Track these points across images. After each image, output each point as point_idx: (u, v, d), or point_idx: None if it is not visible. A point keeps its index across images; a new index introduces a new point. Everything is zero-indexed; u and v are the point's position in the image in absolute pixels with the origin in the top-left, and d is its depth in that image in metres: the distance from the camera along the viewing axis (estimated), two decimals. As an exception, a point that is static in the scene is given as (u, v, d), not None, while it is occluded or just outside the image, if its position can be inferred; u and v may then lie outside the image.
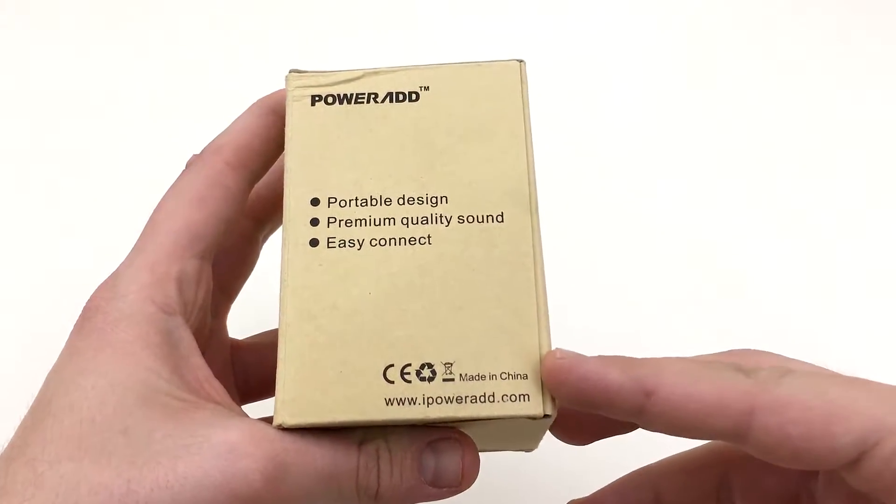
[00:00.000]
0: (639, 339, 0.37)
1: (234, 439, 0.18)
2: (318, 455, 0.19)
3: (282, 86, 0.23)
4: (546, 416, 0.19)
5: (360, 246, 0.21)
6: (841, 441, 0.17)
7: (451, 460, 0.20)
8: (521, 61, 0.23)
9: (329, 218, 0.21)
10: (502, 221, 0.21)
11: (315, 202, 0.21)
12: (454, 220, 0.21)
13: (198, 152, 0.23)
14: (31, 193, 0.44)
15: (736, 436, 0.18)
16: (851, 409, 0.17)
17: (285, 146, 0.22)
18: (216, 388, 0.20)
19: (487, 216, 0.21)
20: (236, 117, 0.24)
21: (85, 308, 0.20)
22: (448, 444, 0.20)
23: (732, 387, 0.18)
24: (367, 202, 0.21)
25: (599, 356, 0.19)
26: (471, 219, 0.21)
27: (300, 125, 0.22)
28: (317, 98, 0.22)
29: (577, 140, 0.47)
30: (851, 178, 0.45)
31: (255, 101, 0.24)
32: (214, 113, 0.43)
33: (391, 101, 0.22)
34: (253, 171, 0.23)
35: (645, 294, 0.39)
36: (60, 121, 0.47)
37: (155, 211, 0.22)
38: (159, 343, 0.20)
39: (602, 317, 0.38)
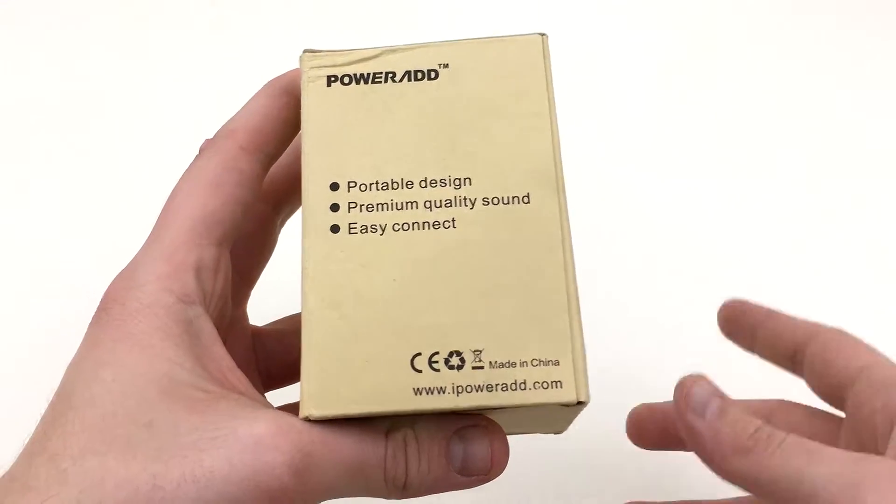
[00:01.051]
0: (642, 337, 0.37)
1: (260, 432, 0.18)
2: (346, 446, 0.18)
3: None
4: (580, 402, 0.19)
5: (383, 231, 0.20)
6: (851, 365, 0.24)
7: (479, 447, 0.20)
8: (542, 35, 0.22)
9: (349, 203, 0.20)
10: (528, 203, 0.20)
11: (334, 187, 0.20)
12: (479, 203, 0.20)
13: (210, 137, 0.23)
14: (35, 191, 0.44)
15: (792, 358, 0.26)
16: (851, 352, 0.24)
17: (302, 129, 0.21)
18: (239, 378, 0.20)
19: (513, 198, 0.20)
20: (248, 99, 0.23)
21: (103, 299, 0.20)
22: (476, 430, 0.20)
23: (799, 327, 0.26)
24: (388, 186, 0.20)
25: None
26: (496, 200, 0.20)
27: (317, 107, 0.21)
28: (333, 79, 0.21)
29: (576, 141, 0.47)
30: (859, 180, 0.44)
31: (265, 83, 0.24)
32: (214, 111, 0.43)
33: (409, 79, 0.21)
34: (267, 154, 0.23)
35: (645, 290, 0.39)
36: (58, 120, 0.47)
37: (169, 198, 0.21)
38: (180, 333, 0.19)
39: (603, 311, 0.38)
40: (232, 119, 0.23)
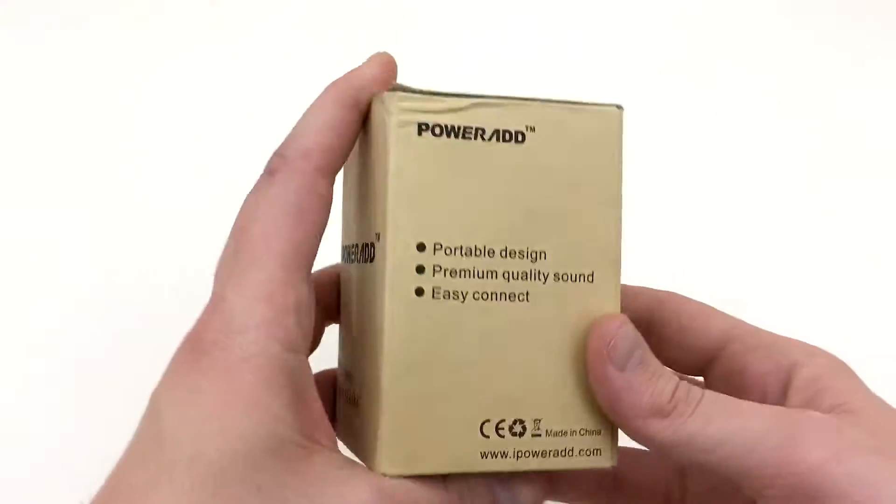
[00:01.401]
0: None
1: (365, 498, 0.19)
2: (423, 501, 0.20)
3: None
4: (613, 466, 0.22)
5: (464, 299, 0.21)
6: (712, 332, 0.25)
7: (527, 492, 0.22)
8: (620, 108, 0.22)
9: (435, 266, 0.21)
10: (592, 281, 0.22)
11: (421, 248, 0.21)
12: (550, 278, 0.21)
13: (274, 153, 0.21)
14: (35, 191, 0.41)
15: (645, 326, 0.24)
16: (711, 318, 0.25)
17: (385, 177, 0.21)
18: (326, 426, 0.20)
19: (580, 275, 0.22)
20: (312, 107, 0.22)
21: (197, 338, 0.19)
22: (519, 478, 0.22)
23: (647, 296, 0.26)
24: (471, 252, 0.21)
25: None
26: (566, 277, 0.22)
27: (406, 157, 0.21)
28: (424, 127, 0.21)
29: None
30: (859, 180, 0.47)
31: (326, 86, 0.22)
32: (213, 110, 0.44)
33: (498, 139, 0.21)
34: (336, 172, 0.22)
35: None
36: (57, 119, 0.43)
37: (245, 224, 0.20)
38: (284, 385, 0.19)
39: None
40: (302, 133, 0.21)
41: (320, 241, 0.21)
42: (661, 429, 0.20)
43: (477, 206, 0.21)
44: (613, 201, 0.22)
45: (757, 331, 0.24)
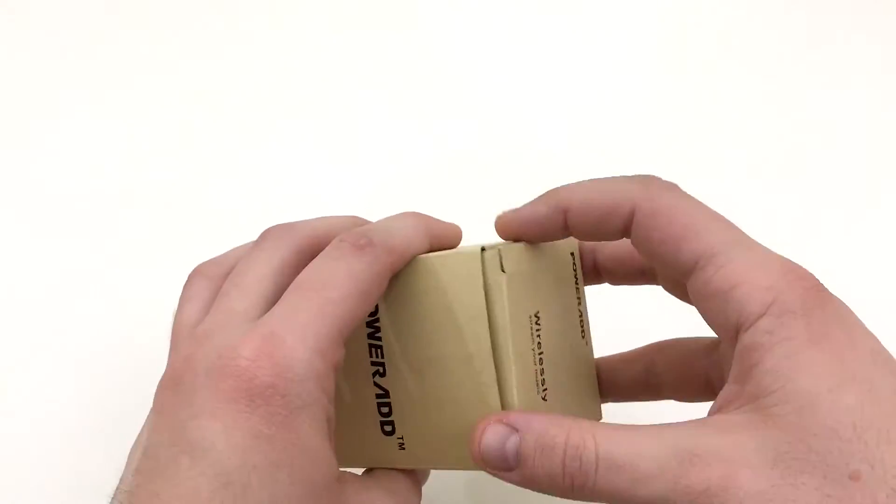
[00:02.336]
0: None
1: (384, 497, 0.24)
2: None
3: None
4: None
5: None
6: (683, 255, 0.21)
7: None
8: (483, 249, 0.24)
9: None
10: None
11: None
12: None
13: (361, 231, 0.23)
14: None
15: (624, 232, 0.23)
16: (700, 234, 0.21)
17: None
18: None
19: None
20: (403, 215, 0.25)
21: (250, 377, 0.20)
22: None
23: (624, 193, 0.22)
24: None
25: (529, 202, 0.24)
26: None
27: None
28: None
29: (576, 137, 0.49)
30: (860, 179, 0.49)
31: (412, 211, 0.25)
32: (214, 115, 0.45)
33: None
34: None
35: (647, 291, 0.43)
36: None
37: (322, 281, 0.22)
38: (328, 431, 0.21)
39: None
40: (388, 231, 0.23)
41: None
42: (579, 498, 0.21)
43: None
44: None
45: (730, 257, 0.21)
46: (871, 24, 0.61)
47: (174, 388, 0.21)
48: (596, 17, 0.62)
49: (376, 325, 0.25)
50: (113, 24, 0.52)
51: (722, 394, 0.21)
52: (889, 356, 0.20)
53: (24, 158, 0.46)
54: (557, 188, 0.24)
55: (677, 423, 0.21)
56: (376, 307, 0.25)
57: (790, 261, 0.21)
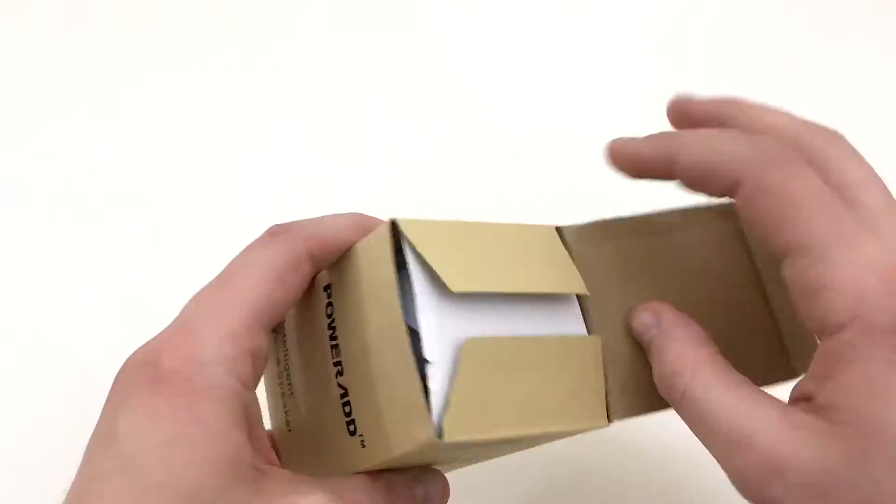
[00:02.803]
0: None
1: (318, 499, 0.21)
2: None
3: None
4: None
5: None
6: (779, 240, 0.21)
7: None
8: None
9: None
10: None
11: None
12: None
13: (280, 223, 0.24)
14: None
15: (730, 195, 0.22)
16: (801, 222, 0.20)
17: None
18: (273, 456, 0.24)
19: None
20: (331, 215, 0.24)
21: (156, 364, 0.21)
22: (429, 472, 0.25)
23: (733, 161, 0.21)
24: None
25: (644, 138, 0.24)
26: None
27: None
28: None
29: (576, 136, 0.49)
30: None
31: (352, 210, 0.25)
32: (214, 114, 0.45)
33: None
34: (321, 268, 0.24)
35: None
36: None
37: (234, 268, 0.23)
38: (241, 417, 0.21)
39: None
40: (312, 222, 0.24)
41: (286, 312, 0.24)
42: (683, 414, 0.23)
43: None
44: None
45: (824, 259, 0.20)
46: (872, 24, 0.61)
47: (113, 387, 0.22)
48: (596, 16, 0.62)
49: (333, 325, 0.25)
50: (113, 22, 0.52)
51: (801, 383, 0.21)
52: None
53: (23, 157, 0.46)
54: (671, 135, 0.24)
55: (763, 397, 0.21)
56: (331, 308, 0.25)
57: None
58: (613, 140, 0.25)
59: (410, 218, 0.23)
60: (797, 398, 0.21)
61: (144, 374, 0.21)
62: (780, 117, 0.23)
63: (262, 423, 0.23)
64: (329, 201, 0.46)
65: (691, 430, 0.22)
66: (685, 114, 0.25)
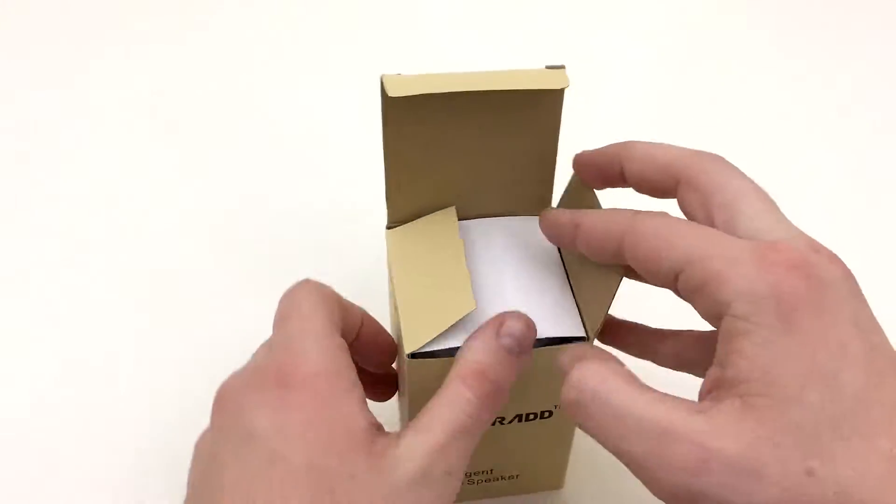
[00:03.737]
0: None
1: (418, 454, 0.24)
2: None
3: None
4: None
5: None
6: (664, 264, 0.23)
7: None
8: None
9: None
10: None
11: None
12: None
13: None
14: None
15: (621, 255, 0.25)
16: (677, 244, 0.23)
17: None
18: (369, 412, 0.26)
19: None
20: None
21: (270, 372, 0.25)
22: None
23: (619, 222, 0.25)
24: None
25: (558, 210, 0.28)
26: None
27: None
28: None
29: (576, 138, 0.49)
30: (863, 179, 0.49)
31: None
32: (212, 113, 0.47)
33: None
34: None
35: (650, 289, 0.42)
36: None
37: (297, 300, 0.27)
38: (346, 389, 0.25)
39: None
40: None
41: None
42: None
43: None
44: None
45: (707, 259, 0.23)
46: (871, 24, 0.61)
47: (220, 406, 0.26)
48: (597, 16, 0.62)
49: None
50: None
51: (708, 375, 0.22)
52: (863, 346, 0.21)
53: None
54: (577, 211, 0.27)
55: (672, 398, 0.22)
56: None
57: (772, 246, 0.22)
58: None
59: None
60: (707, 390, 0.22)
61: (267, 380, 0.24)
62: (661, 150, 0.26)
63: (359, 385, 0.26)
64: (331, 203, 0.47)
65: (603, 440, 0.23)
66: (587, 164, 0.28)
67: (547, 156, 0.29)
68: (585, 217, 0.26)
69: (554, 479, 0.35)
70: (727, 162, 0.25)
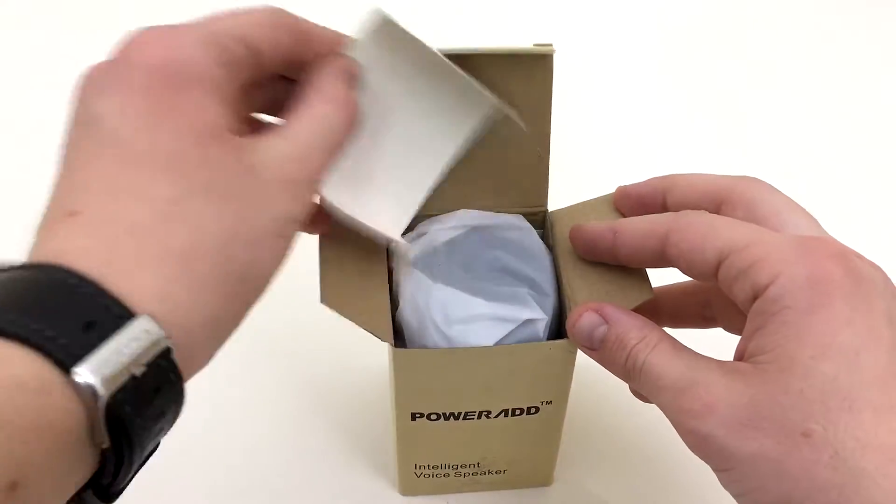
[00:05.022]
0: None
1: (282, 148, 0.24)
2: None
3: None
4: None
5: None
6: (709, 253, 0.25)
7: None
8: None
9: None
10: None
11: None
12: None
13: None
14: None
15: (662, 251, 0.27)
16: (722, 234, 0.25)
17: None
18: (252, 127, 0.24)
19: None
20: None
21: (132, 58, 0.22)
22: None
23: (662, 222, 0.27)
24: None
25: (595, 223, 0.30)
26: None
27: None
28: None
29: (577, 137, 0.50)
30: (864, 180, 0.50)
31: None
32: None
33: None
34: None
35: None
36: None
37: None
38: (224, 96, 0.23)
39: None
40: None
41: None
42: (633, 386, 0.27)
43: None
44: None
45: (744, 250, 0.25)
46: (871, 24, 0.61)
47: (82, 87, 0.23)
48: (598, 15, 0.62)
49: None
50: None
51: (738, 346, 0.25)
52: (893, 336, 0.22)
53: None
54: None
55: (706, 359, 0.25)
56: None
57: (817, 238, 0.24)
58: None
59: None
60: (735, 359, 0.25)
61: (119, 65, 0.22)
62: (702, 177, 0.28)
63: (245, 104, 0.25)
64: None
65: (644, 391, 0.26)
66: (630, 195, 0.30)
67: (540, 122, 0.30)
68: (624, 222, 0.28)
69: (542, 475, 0.35)
70: (767, 182, 0.27)
